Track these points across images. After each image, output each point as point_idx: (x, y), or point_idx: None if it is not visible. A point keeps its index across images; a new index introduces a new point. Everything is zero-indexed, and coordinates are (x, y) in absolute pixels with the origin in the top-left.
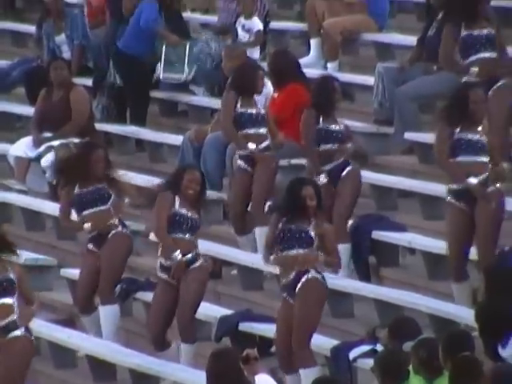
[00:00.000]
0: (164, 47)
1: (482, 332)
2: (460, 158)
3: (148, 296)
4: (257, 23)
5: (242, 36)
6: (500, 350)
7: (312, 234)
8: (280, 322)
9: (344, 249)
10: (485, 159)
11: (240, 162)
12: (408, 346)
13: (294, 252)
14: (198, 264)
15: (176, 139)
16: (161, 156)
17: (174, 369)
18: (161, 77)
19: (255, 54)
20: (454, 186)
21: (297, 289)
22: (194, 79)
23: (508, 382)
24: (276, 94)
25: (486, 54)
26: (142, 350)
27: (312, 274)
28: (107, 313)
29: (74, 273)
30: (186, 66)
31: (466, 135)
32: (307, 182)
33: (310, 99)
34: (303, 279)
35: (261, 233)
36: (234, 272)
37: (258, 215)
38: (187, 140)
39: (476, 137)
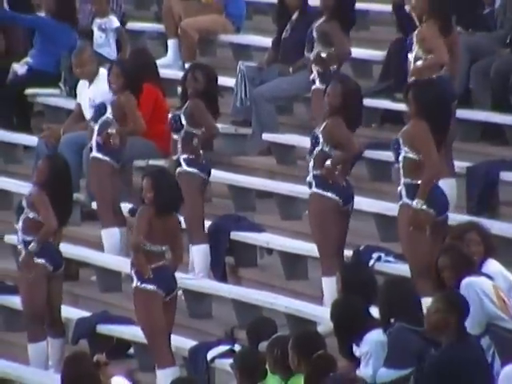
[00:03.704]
0: None
1: (336, 330)
2: None
3: (2, 299)
4: (113, 21)
5: (99, 36)
6: (354, 349)
7: None
8: None
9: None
10: None
11: None
12: (263, 346)
13: None
14: None
15: (31, 140)
16: (16, 157)
17: (25, 371)
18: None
19: (113, 53)
20: None
21: None
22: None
23: None
24: None
25: None
26: None
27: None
28: None
29: None
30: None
31: None
32: None
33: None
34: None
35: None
36: (94, 278)
37: None
38: (42, 141)
39: None
